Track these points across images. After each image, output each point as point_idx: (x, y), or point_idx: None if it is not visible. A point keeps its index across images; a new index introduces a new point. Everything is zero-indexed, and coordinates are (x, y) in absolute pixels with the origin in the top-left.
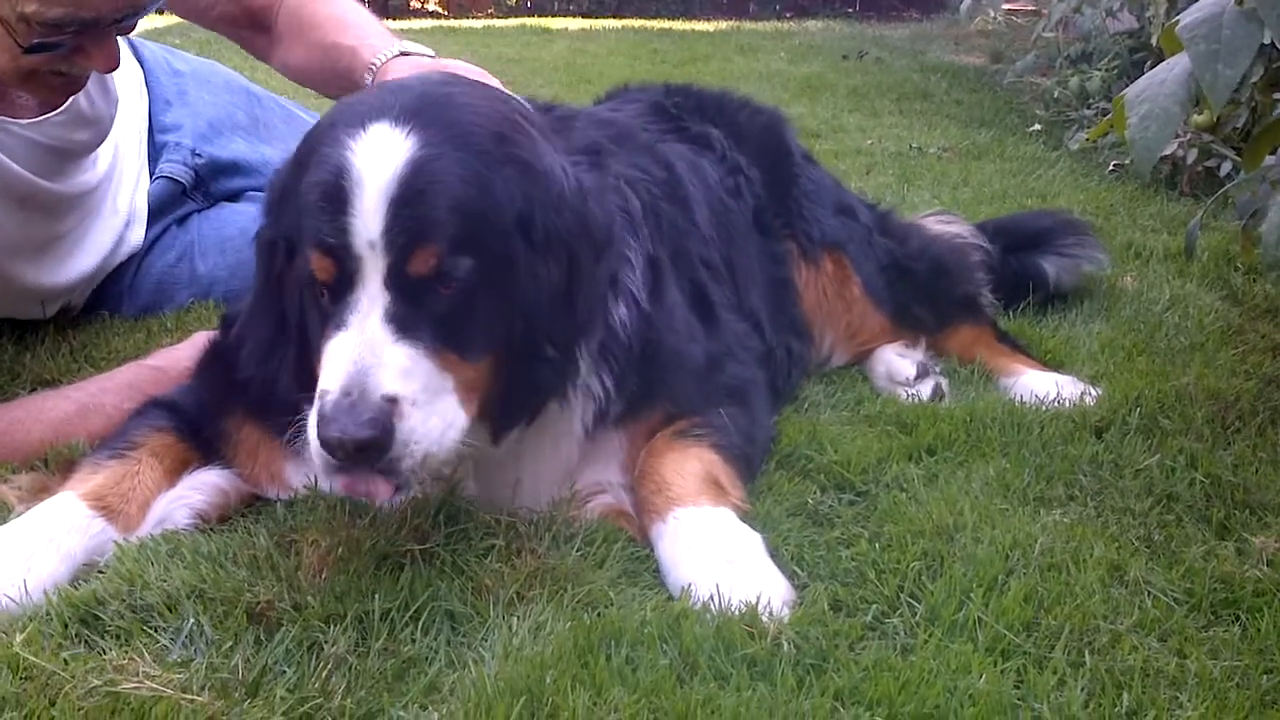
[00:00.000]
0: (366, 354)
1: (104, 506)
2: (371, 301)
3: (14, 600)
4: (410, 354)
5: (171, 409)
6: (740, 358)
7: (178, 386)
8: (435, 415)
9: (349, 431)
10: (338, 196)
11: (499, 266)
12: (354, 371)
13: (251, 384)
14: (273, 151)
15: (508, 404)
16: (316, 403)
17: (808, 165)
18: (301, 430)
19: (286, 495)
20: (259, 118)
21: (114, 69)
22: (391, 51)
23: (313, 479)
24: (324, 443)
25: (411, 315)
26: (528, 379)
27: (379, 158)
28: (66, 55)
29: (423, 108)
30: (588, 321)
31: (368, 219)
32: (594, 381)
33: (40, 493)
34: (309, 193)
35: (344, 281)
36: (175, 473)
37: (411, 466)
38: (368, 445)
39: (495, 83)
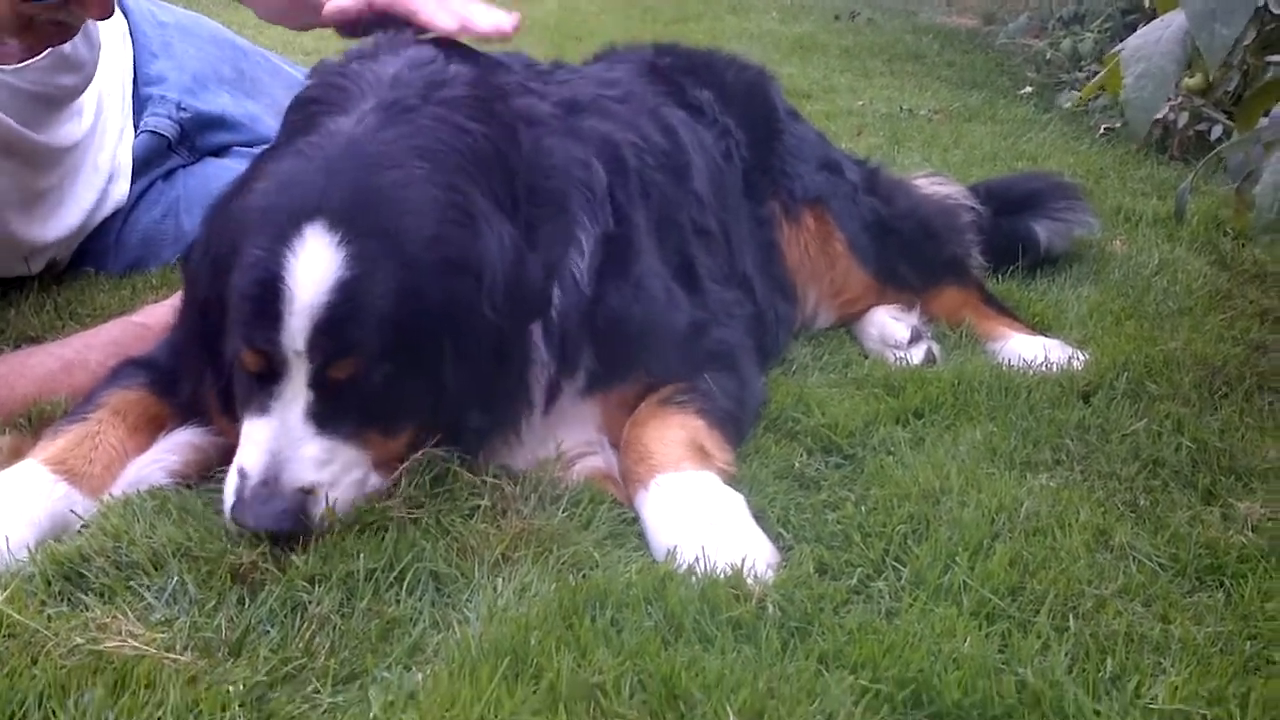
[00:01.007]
0: (285, 445)
1: (67, 470)
2: (294, 395)
3: None
4: (327, 445)
5: (145, 366)
6: (725, 323)
7: (157, 343)
8: (352, 487)
9: (265, 524)
10: (267, 308)
11: (424, 364)
12: (271, 462)
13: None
14: (258, 106)
15: (456, 440)
16: (234, 479)
17: (792, 121)
18: None
19: None
20: (245, 71)
21: (109, 17)
22: None
23: None
24: (240, 525)
25: (332, 410)
26: (459, 438)
27: (307, 274)
28: (64, 3)
29: (358, 206)
30: (517, 384)
31: (295, 334)
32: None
33: (14, 456)
34: (241, 291)
35: (271, 375)
36: (142, 429)
37: (323, 530)
38: (284, 536)
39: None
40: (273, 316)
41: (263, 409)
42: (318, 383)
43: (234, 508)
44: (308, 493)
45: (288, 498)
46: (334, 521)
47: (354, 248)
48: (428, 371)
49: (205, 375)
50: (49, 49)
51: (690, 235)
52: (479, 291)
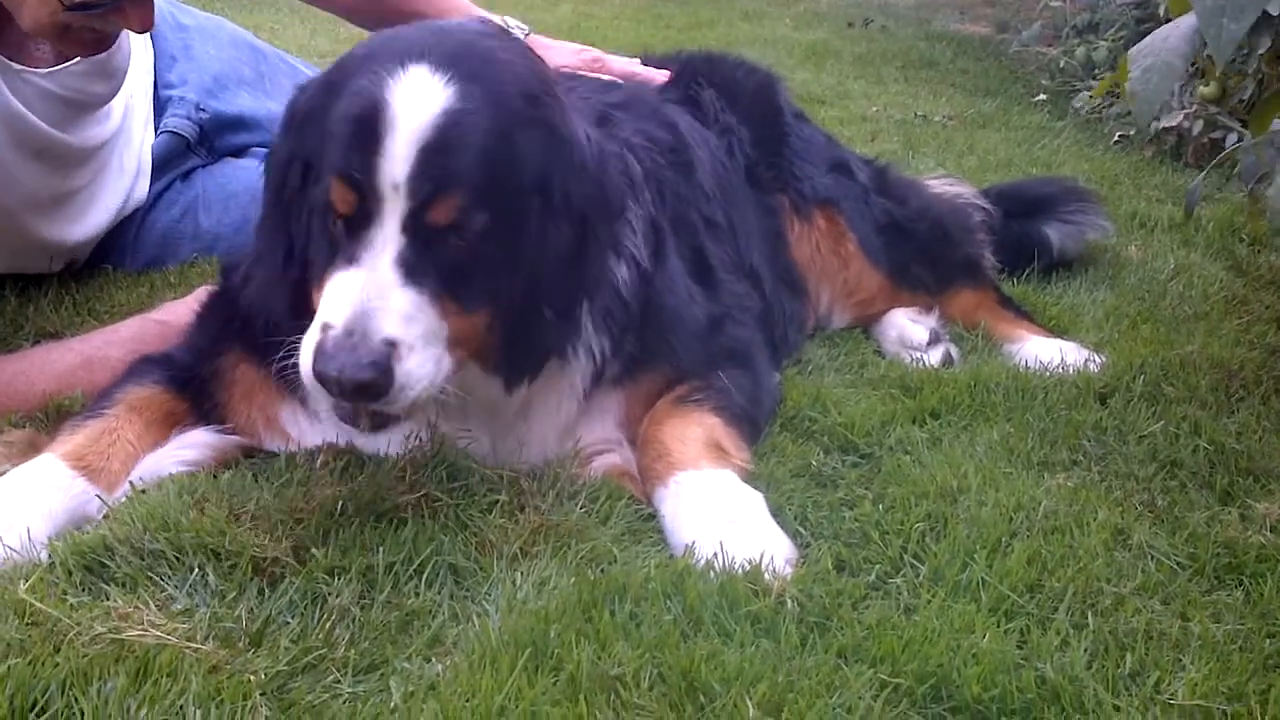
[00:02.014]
0: (374, 294)
1: (84, 466)
2: (385, 242)
3: None
4: (415, 300)
5: (161, 362)
6: (739, 319)
7: (174, 340)
8: (430, 361)
9: (349, 372)
10: (370, 133)
11: (512, 225)
12: (359, 311)
13: (252, 321)
14: (277, 107)
15: (509, 358)
16: (315, 333)
17: (799, 124)
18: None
19: (282, 445)
20: (264, 73)
21: (149, 30)
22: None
23: (306, 431)
24: (320, 377)
25: (421, 261)
26: (525, 337)
27: (415, 102)
28: (103, 14)
29: (462, 56)
30: (592, 286)
31: (396, 161)
32: (594, 342)
33: (30, 450)
34: (340, 122)
35: (362, 217)
36: (157, 424)
37: (401, 408)
38: (366, 386)
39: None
40: (374, 142)
41: (350, 259)
42: (411, 226)
43: (316, 360)
44: (392, 346)
45: (374, 347)
46: (412, 401)
47: (459, 87)
48: (514, 237)
49: (282, 279)
50: (106, 49)
51: (701, 228)
52: (570, 160)
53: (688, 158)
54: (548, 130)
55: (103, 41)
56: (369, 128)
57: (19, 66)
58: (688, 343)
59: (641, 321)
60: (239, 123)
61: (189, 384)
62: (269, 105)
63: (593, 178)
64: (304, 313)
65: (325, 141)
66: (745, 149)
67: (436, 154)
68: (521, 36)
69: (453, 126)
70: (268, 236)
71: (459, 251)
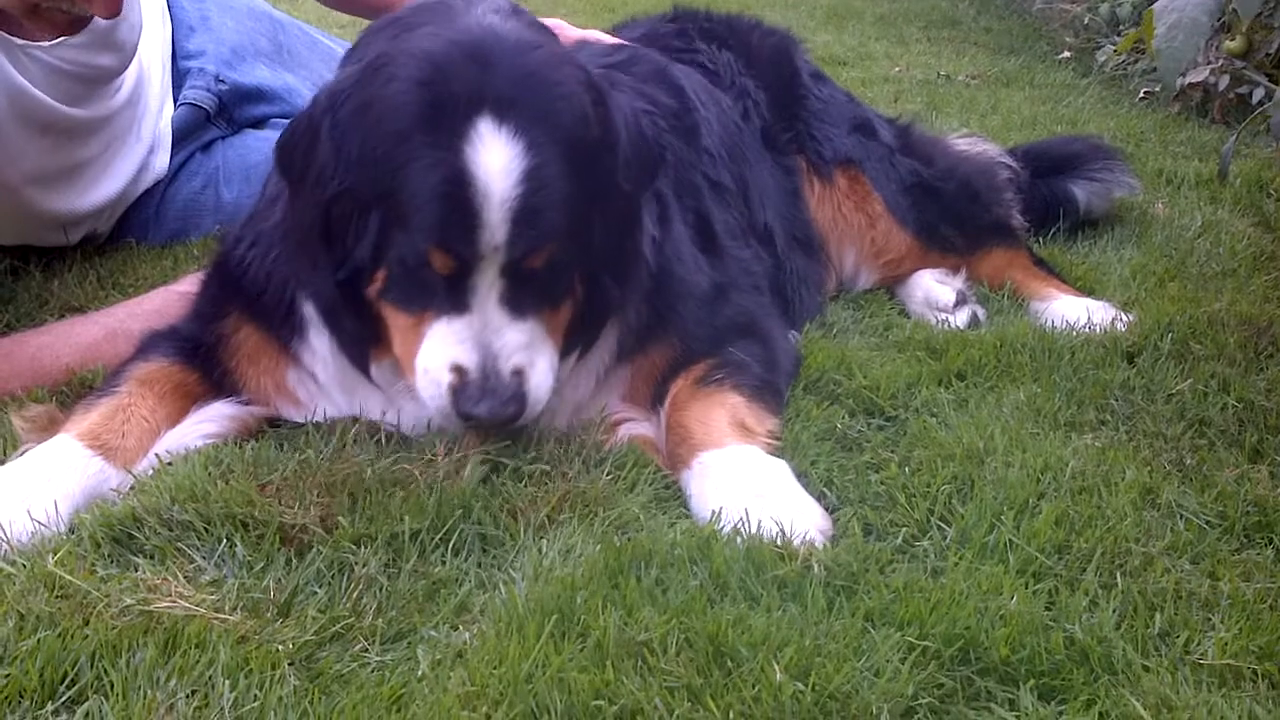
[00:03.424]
0: (492, 336)
1: (101, 445)
2: (489, 287)
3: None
4: (525, 327)
5: (168, 336)
6: (743, 286)
7: (181, 314)
8: (547, 369)
9: (496, 411)
10: (463, 208)
11: (582, 237)
12: (487, 354)
13: (253, 287)
14: (295, 79)
15: (578, 331)
16: (445, 374)
17: (816, 84)
18: (302, 331)
19: (295, 410)
20: (282, 43)
21: (114, 15)
22: None
23: (315, 394)
24: (467, 418)
25: (521, 294)
26: (591, 309)
27: (496, 169)
28: None
29: (519, 90)
30: (639, 250)
31: (494, 229)
32: (630, 312)
33: (50, 424)
34: (424, 196)
35: (461, 272)
36: (170, 398)
37: (532, 418)
38: (508, 419)
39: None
40: (470, 216)
41: (458, 307)
42: (510, 271)
43: (461, 403)
44: (519, 375)
45: (508, 383)
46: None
47: (527, 136)
48: (583, 243)
49: (321, 270)
50: (82, 29)
51: (706, 192)
52: (617, 164)
53: (692, 121)
54: (601, 146)
55: (76, 23)
56: (462, 204)
57: (21, 41)
58: (694, 312)
59: (653, 290)
60: (258, 94)
61: (196, 353)
62: (287, 77)
63: (637, 158)
64: (360, 315)
65: (404, 202)
66: (762, 111)
67: (528, 215)
68: None
69: (538, 188)
70: (301, 233)
71: (549, 276)
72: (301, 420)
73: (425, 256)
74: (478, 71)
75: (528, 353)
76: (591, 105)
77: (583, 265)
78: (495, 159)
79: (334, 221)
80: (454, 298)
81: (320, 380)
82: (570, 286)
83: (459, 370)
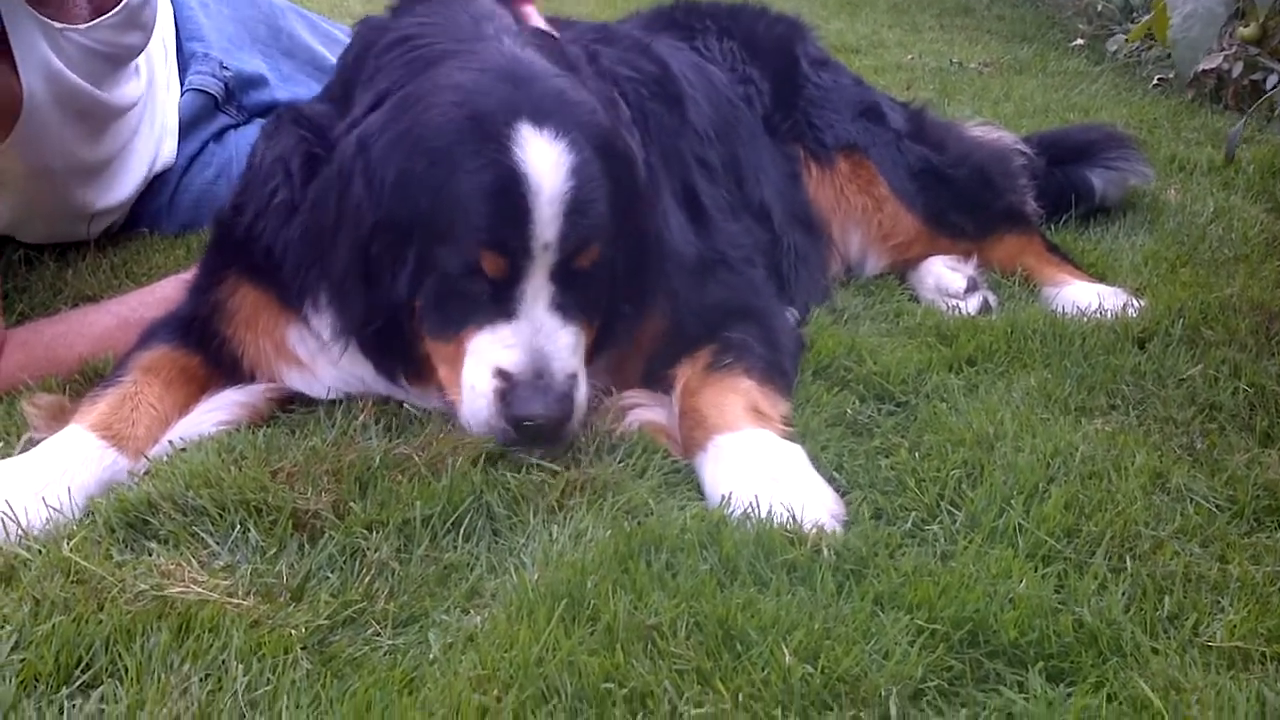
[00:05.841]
0: (543, 340)
1: (113, 435)
2: (538, 291)
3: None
4: (574, 331)
5: (167, 323)
6: (732, 259)
7: (177, 301)
8: (585, 381)
9: (551, 409)
10: (516, 205)
11: (613, 245)
12: (536, 357)
13: (249, 246)
14: (292, 65)
15: (615, 332)
16: (490, 380)
17: (817, 72)
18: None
19: (296, 371)
20: (281, 28)
21: None
22: None
23: (316, 354)
24: (517, 422)
25: (567, 299)
26: (615, 327)
27: (547, 167)
28: None
29: (553, 108)
30: (657, 273)
31: (546, 226)
32: None
33: (60, 413)
34: (475, 197)
35: (508, 278)
36: (175, 383)
37: (575, 429)
38: (561, 421)
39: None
40: (521, 213)
41: (504, 315)
42: (558, 275)
43: (513, 405)
44: (573, 379)
45: (560, 383)
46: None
47: (567, 139)
48: (616, 250)
49: (367, 311)
50: (121, 5)
51: (693, 165)
52: (639, 182)
53: (676, 89)
54: (624, 157)
55: None
56: (514, 200)
57: (60, 25)
58: (682, 281)
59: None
60: (261, 80)
61: (192, 332)
62: (284, 65)
63: (647, 173)
64: (396, 348)
65: (449, 213)
66: (764, 100)
67: (576, 211)
68: None
69: (583, 183)
70: (342, 278)
71: (592, 282)
72: (304, 388)
73: (474, 263)
74: (510, 90)
75: (576, 357)
76: (612, 122)
77: (611, 278)
78: (543, 157)
79: (373, 260)
80: (499, 306)
81: (325, 339)
82: (601, 299)
83: (503, 375)
